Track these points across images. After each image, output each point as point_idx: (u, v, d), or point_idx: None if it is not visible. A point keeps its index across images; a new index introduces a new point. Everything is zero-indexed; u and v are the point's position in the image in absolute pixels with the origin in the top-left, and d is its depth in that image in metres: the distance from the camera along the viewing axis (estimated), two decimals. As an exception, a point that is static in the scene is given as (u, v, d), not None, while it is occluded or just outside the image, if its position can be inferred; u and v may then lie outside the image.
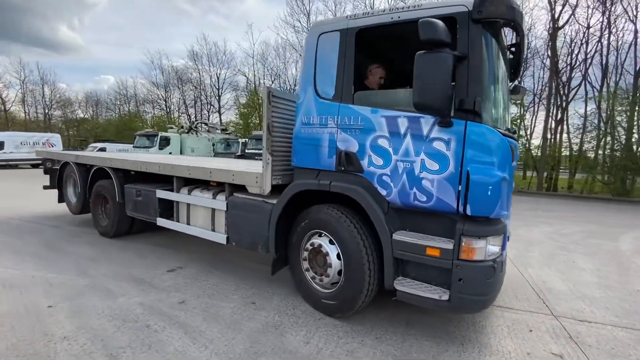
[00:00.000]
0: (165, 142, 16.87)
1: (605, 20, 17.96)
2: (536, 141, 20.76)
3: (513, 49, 3.20)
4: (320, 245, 2.98)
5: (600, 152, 18.03)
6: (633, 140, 15.97)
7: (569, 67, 19.45)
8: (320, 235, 3.05)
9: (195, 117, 34.11)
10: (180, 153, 17.19)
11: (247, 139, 17.13)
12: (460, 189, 2.37)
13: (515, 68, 3.29)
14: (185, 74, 35.17)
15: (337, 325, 2.91)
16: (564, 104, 19.34)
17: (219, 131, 20.73)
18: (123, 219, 5.13)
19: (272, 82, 28.57)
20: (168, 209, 4.39)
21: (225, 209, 3.64)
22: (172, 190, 4.32)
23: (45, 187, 6.86)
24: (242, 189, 3.58)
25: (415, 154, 2.52)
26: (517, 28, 2.56)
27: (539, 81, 21.15)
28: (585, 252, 5.61)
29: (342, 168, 2.87)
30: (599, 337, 2.90)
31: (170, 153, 16.24)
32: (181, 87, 35.80)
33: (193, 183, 4.30)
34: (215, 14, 62.68)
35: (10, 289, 3.38)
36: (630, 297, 3.82)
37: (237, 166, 4.26)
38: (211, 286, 3.65)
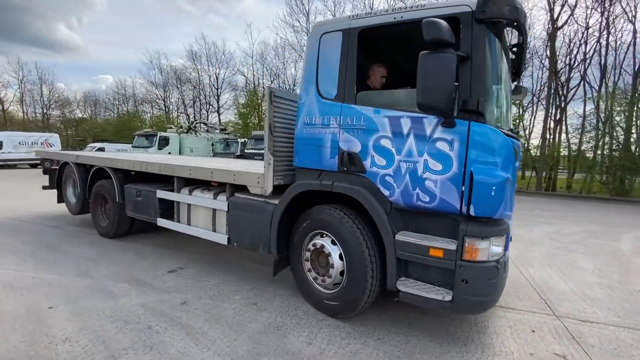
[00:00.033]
0: (164, 142, 16.82)
1: (604, 21, 18.01)
2: (535, 141, 20.83)
3: (515, 49, 3.19)
4: (322, 246, 2.97)
5: (599, 152, 18.10)
6: (631, 140, 16.01)
7: (567, 67, 19.50)
8: (322, 236, 3.04)
9: (194, 117, 34.06)
10: (179, 153, 17.16)
11: (246, 139, 17.11)
12: (463, 189, 2.36)
13: (517, 68, 3.29)
14: (184, 74, 35.13)
15: (340, 326, 2.90)
16: (562, 104, 19.39)
17: (218, 131, 20.70)
18: (123, 219, 5.11)
19: (272, 82, 28.54)
20: (168, 209, 4.37)
21: (226, 209, 3.63)
22: (172, 191, 4.30)
23: (44, 188, 6.83)
24: (243, 189, 3.57)
25: (419, 154, 2.51)
26: (521, 28, 2.55)
27: (537, 81, 21.22)
28: (586, 252, 5.62)
29: (345, 168, 2.86)
30: (602, 338, 2.90)
31: (169, 153, 16.21)
32: (180, 87, 35.75)
33: (193, 183, 4.28)
34: (214, 14, 62.64)
35: (11, 290, 3.36)
36: (631, 297, 3.82)
37: (238, 166, 4.25)
38: (212, 287, 3.64)
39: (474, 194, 2.31)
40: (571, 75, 19.51)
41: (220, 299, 3.34)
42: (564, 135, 19.72)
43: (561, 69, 19.43)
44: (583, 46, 18.99)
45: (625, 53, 18.02)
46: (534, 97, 20.87)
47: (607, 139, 17.07)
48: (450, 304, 2.42)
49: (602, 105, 17.33)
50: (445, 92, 2.19)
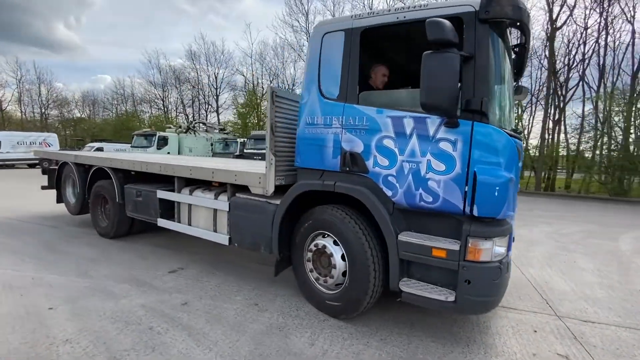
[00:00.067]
0: (163, 142, 16.79)
1: (603, 21, 18.07)
2: (534, 141, 20.88)
3: (517, 49, 3.19)
4: (324, 246, 2.96)
5: (597, 152, 18.16)
6: (630, 140, 16.07)
7: (566, 68, 19.55)
8: (324, 236, 3.03)
9: (193, 116, 34.01)
10: (178, 153, 17.13)
11: (245, 139, 17.09)
12: (466, 189, 2.36)
13: (518, 68, 3.29)
14: (183, 74, 35.07)
15: (342, 326, 2.89)
16: (561, 104, 19.44)
17: (217, 131, 20.67)
18: (123, 219, 5.09)
19: (271, 82, 28.53)
20: (169, 209, 4.36)
21: (227, 209, 3.62)
22: (173, 191, 4.29)
23: (43, 188, 6.80)
24: (244, 189, 3.56)
25: (422, 154, 2.50)
26: (524, 28, 2.55)
27: (536, 81, 21.27)
28: (586, 252, 5.63)
29: (347, 168, 2.85)
30: (604, 338, 2.90)
31: (168, 153, 16.17)
32: (179, 86, 35.70)
33: (194, 183, 4.27)
34: (214, 14, 62.56)
35: (10, 291, 3.34)
36: (632, 297, 3.83)
37: (240, 166, 4.24)
38: (213, 287, 3.63)
39: (477, 195, 2.30)
40: (570, 76, 19.59)
41: (221, 300, 3.33)
42: (562, 136, 19.79)
43: (560, 69, 19.49)
44: (582, 46, 19.07)
45: (624, 53, 18.13)
46: (533, 97, 20.93)
47: (605, 139, 17.12)
48: (453, 305, 2.41)
49: (601, 106, 17.40)
50: (449, 92, 2.19)
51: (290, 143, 3.32)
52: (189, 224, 4.14)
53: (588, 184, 17.39)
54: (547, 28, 18.64)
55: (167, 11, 68.32)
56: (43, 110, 41.06)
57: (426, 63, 2.24)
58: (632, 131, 16.01)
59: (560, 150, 19.50)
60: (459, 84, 2.25)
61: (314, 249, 3.05)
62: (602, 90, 18.52)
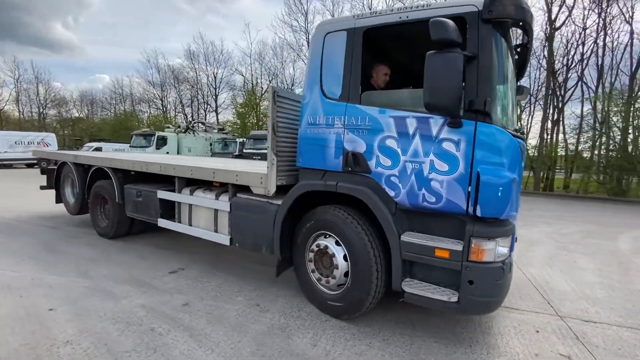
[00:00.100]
0: (162, 142, 16.76)
1: (601, 22, 18.12)
2: (532, 141, 20.90)
3: (518, 49, 3.19)
4: (326, 247, 2.95)
5: (596, 152, 18.22)
6: (628, 140, 16.12)
7: (565, 68, 19.60)
8: (326, 237, 3.02)
9: (192, 116, 33.95)
10: (177, 153, 17.09)
11: (244, 139, 17.08)
12: (470, 190, 2.35)
13: (520, 68, 3.29)
14: (182, 73, 35.02)
15: (344, 327, 2.88)
16: (560, 105, 19.48)
17: (216, 131, 20.64)
18: (123, 219, 5.07)
19: (270, 82, 28.52)
20: (169, 209, 4.34)
21: (228, 209, 3.60)
22: (173, 191, 4.27)
23: (42, 188, 6.76)
24: (245, 189, 3.55)
25: (425, 154, 2.50)
26: (527, 28, 2.55)
27: (535, 81, 21.31)
28: (586, 252, 5.64)
29: (349, 169, 2.84)
30: (605, 338, 2.90)
31: (167, 153, 16.14)
32: (177, 86, 35.64)
33: (194, 183, 4.25)
34: (212, 14, 62.47)
35: (10, 292, 3.32)
36: (632, 297, 3.84)
37: (241, 166, 4.23)
38: (214, 288, 3.61)
39: (480, 195, 2.30)
40: (568, 76, 19.64)
41: (222, 300, 3.31)
42: (561, 136, 19.85)
43: (559, 70, 19.53)
44: (580, 47, 19.12)
45: (622, 54, 18.21)
46: (532, 97, 20.97)
47: (604, 139, 17.17)
48: (456, 305, 2.41)
49: (599, 106, 17.45)
50: (453, 92, 2.18)
51: (291, 143, 3.31)
52: (190, 224, 4.13)
53: (586, 184, 17.45)
54: (546, 28, 18.68)
55: (165, 11, 68.32)
56: (41, 110, 40.97)
57: (430, 63, 2.23)
58: (630, 131, 16.06)
59: (558, 150, 19.57)
60: (462, 84, 2.25)
61: (315, 249, 3.04)
62: (600, 90, 18.59)
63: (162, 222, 4.37)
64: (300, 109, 3.18)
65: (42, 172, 6.90)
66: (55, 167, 6.28)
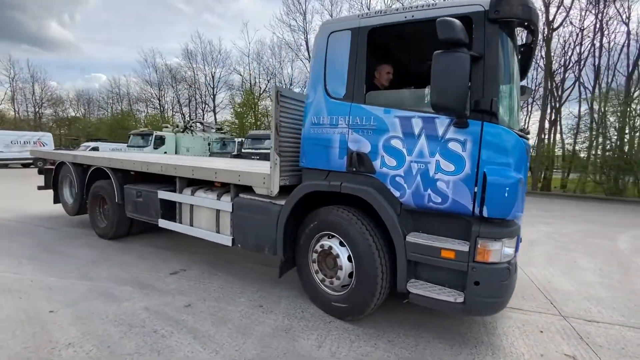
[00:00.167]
0: (160, 142, 16.68)
1: (598, 22, 18.23)
2: (530, 141, 20.94)
3: (522, 49, 3.18)
4: (330, 247, 2.94)
5: (593, 152, 18.31)
6: (625, 140, 16.23)
7: (562, 68, 19.71)
8: (330, 237, 3.00)
9: (190, 116, 33.82)
10: (175, 152, 17.02)
11: (243, 139, 17.03)
12: (476, 190, 2.34)
13: (523, 68, 3.28)
14: (180, 73, 34.87)
15: (349, 328, 2.87)
16: (557, 105, 19.58)
17: (214, 130, 20.58)
18: (122, 220, 5.02)
19: (268, 81, 28.46)
20: (170, 210, 4.30)
21: (230, 210, 3.58)
22: (174, 191, 4.24)
23: (39, 188, 6.69)
24: (247, 189, 3.52)
25: (430, 154, 2.49)
26: (532, 28, 2.54)
27: (532, 81, 21.38)
28: (586, 252, 5.66)
29: (354, 169, 2.82)
30: (609, 337, 2.91)
31: (165, 152, 16.06)
32: (175, 85, 35.48)
33: (195, 184, 4.22)
34: (210, 13, 62.27)
35: (10, 294, 3.27)
36: (634, 296, 3.85)
37: (243, 166, 4.20)
38: (216, 289, 3.58)
39: (487, 195, 2.29)
40: (566, 76, 19.75)
41: (225, 301, 3.29)
42: (558, 136, 19.94)
43: (556, 70, 19.63)
44: (578, 47, 19.25)
45: (619, 54, 18.32)
46: (529, 98, 21.05)
47: (601, 139, 17.27)
48: (462, 306, 2.40)
49: (596, 106, 17.54)
50: (459, 92, 2.17)
51: (294, 143, 3.29)
52: (191, 225, 4.09)
53: (584, 184, 17.54)
54: (544, 29, 18.74)
55: (162, 10, 68.04)
56: (37, 109, 40.61)
57: (436, 62, 2.21)
58: (626, 131, 16.17)
59: (556, 150, 19.66)
60: (469, 84, 2.24)
61: (319, 250, 3.03)
62: (597, 90, 18.69)
63: (163, 223, 4.33)
64: (304, 109, 3.16)
65: (40, 172, 6.83)
66: (53, 167, 6.21)
